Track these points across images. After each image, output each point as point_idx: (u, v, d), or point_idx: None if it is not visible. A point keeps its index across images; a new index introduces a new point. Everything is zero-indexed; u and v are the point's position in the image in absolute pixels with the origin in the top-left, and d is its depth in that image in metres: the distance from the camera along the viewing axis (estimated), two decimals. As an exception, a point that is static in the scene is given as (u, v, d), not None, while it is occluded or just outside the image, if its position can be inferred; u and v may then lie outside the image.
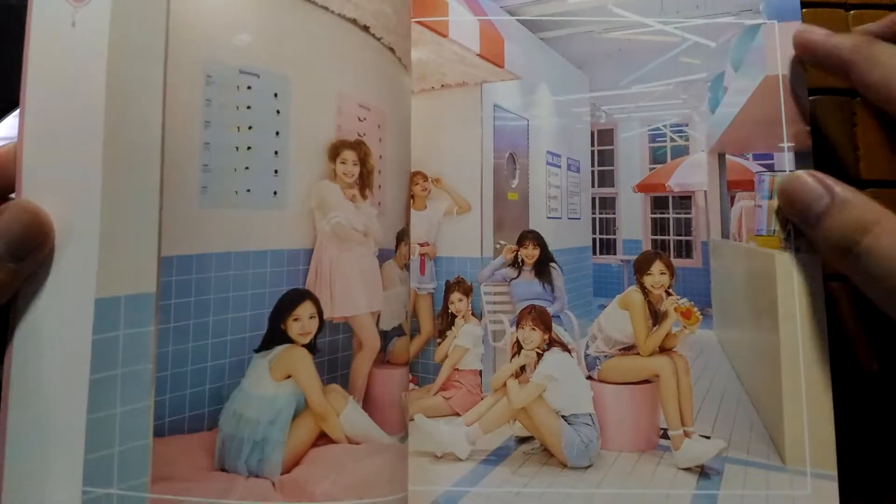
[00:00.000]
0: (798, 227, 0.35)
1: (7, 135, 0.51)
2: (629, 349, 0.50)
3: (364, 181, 0.41)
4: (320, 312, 0.39)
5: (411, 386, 0.46)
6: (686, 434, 0.45)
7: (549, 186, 0.62)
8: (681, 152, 0.53)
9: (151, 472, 0.32)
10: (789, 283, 0.39)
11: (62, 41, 0.32)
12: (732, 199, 0.51)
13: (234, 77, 0.36)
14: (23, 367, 0.31)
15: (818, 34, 0.37)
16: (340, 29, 0.39)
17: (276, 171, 0.38)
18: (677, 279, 0.49)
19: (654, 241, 0.60)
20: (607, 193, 0.59)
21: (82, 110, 0.32)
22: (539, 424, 0.46)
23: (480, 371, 0.52)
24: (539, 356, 0.48)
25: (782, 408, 0.39)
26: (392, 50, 0.41)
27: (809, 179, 0.33)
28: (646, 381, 0.49)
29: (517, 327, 0.49)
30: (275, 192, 0.38)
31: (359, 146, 0.40)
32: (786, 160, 0.39)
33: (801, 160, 0.39)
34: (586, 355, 0.51)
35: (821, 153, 0.39)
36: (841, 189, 0.32)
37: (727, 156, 0.51)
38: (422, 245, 0.50)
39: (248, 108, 0.37)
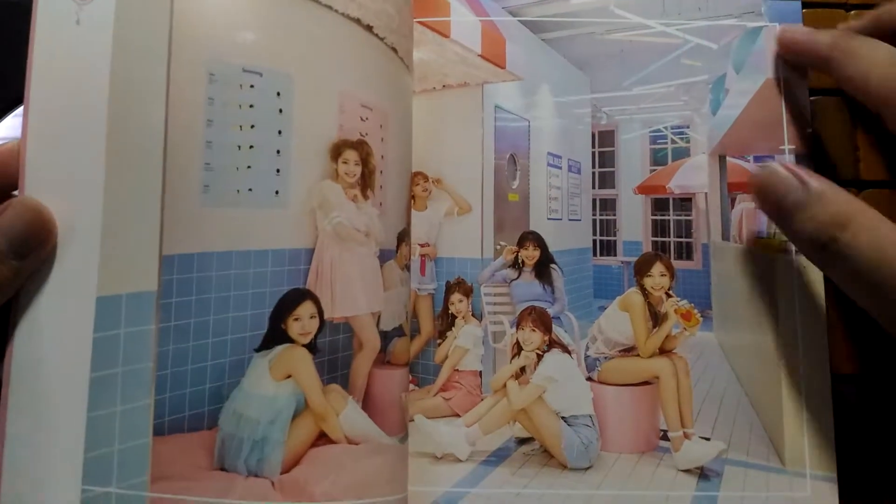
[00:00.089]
0: (771, 219, 0.34)
1: (9, 134, 0.51)
2: (629, 351, 0.50)
3: (366, 181, 0.41)
4: (321, 312, 0.39)
5: (411, 386, 0.46)
6: (686, 435, 0.45)
7: (550, 188, 0.62)
8: (682, 154, 0.53)
9: (151, 470, 0.32)
10: (789, 285, 0.39)
11: (66, 39, 0.32)
12: (733, 201, 0.51)
13: (237, 75, 0.36)
14: (23, 365, 0.31)
15: (800, 32, 0.37)
16: (343, 28, 0.39)
17: (278, 171, 0.38)
18: (677, 281, 0.49)
19: (655, 243, 0.59)
20: (608, 195, 0.59)
21: (86, 108, 0.32)
22: (539, 425, 0.46)
23: (480, 372, 0.52)
24: (539, 357, 0.48)
25: (782, 410, 0.39)
26: (395, 50, 0.41)
27: (782, 170, 0.32)
28: (646, 383, 0.49)
29: (517, 328, 0.49)
30: (276, 192, 0.38)
31: (361, 146, 0.40)
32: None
33: (802, 162, 0.39)
34: (586, 356, 0.51)
35: (820, 154, 0.39)
36: (816, 181, 0.30)
37: (728, 158, 0.51)
38: (422, 246, 0.50)
39: (251, 106, 0.37)
